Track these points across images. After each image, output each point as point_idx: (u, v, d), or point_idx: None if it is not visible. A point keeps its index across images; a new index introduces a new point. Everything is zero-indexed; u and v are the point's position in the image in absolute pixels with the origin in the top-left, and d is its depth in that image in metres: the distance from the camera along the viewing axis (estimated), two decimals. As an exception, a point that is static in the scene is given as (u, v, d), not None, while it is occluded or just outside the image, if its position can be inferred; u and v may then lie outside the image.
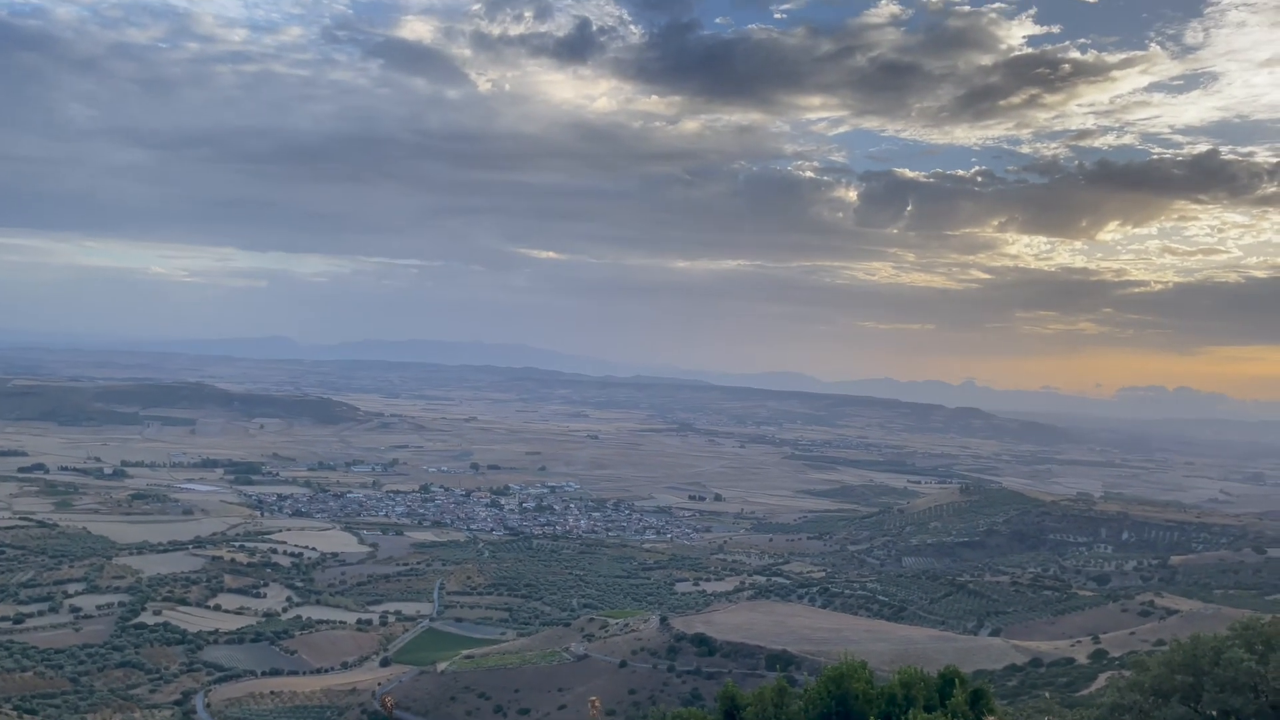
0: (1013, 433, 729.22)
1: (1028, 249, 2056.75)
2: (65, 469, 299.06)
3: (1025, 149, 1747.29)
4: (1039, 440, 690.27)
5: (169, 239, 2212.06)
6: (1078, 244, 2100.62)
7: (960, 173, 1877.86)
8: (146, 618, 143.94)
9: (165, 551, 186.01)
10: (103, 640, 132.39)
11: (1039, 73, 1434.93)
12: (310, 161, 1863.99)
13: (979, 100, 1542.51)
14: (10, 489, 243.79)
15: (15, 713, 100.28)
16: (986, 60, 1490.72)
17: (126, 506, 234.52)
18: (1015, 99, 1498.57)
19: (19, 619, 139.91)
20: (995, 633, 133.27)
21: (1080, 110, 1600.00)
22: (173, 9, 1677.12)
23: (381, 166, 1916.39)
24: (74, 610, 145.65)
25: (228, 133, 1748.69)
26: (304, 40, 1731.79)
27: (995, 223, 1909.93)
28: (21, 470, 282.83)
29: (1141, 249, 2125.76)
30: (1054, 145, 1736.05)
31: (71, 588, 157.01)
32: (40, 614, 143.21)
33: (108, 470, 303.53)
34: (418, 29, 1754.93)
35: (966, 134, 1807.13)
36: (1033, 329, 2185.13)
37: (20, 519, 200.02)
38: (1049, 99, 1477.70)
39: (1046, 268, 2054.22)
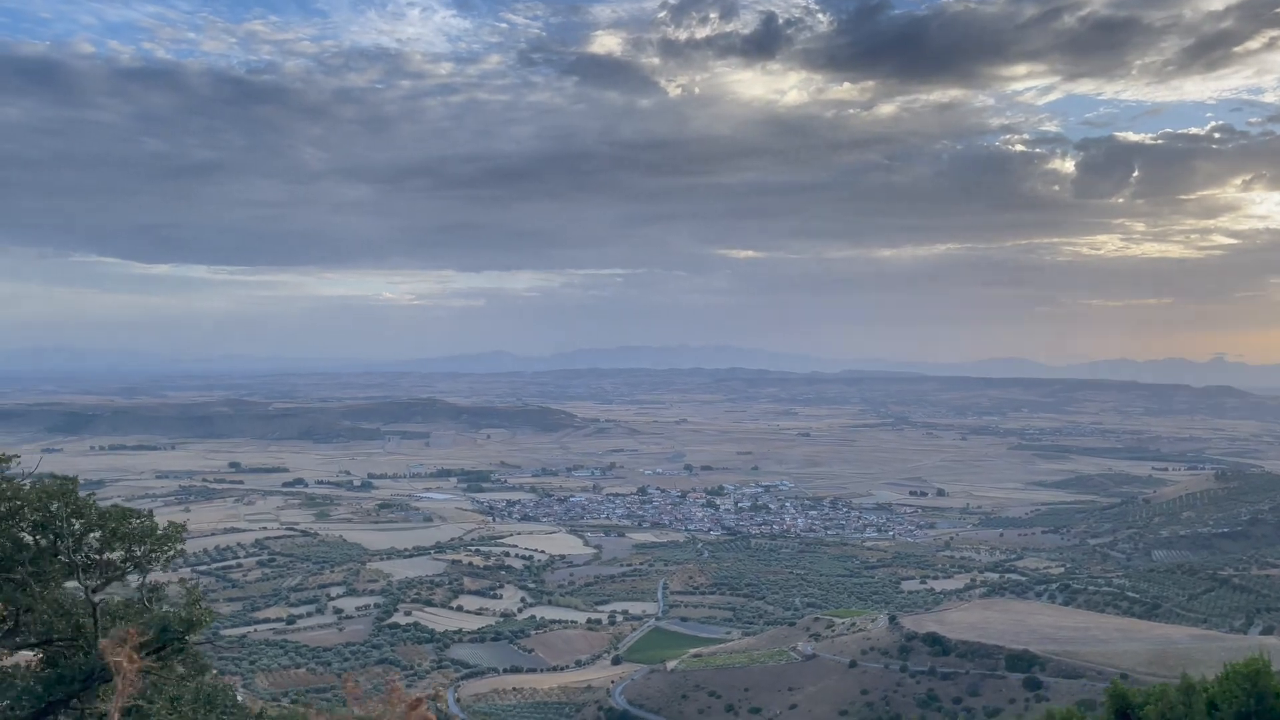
0: (1274, 411, 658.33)
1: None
2: (321, 483, 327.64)
3: (1269, 98, 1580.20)
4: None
5: (395, 266, 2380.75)
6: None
7: (1193, 130, 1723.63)
8: (399, 618, 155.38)
9: (411, 557, 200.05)
10: (363, 639, 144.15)
11: (1279, 12, 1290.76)
12: (515, 182, 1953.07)
13: (1210, 49, 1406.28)
14: (277, 502, 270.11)
15: (292, 705, 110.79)
16: (1216, 4, 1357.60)
17: (375, 516, 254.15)
18: (1253, 44, 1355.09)
19: (290, 620, 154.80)
20: (1268, 631, 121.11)
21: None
22: (386, 51, 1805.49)
23: (581, 181, 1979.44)
24: (337, 611, 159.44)
25: (440, 161, 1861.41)
26: (503, 66, 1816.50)
27: (1239, 181, 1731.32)
28: (285, 485, 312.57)
29: None
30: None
31: (333, 591, 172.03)
32: (308, 615, 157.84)
33: (356, 483, 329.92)
34: (608, 43, 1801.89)
35: (1198, 88, 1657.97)
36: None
37: (287, 529, 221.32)
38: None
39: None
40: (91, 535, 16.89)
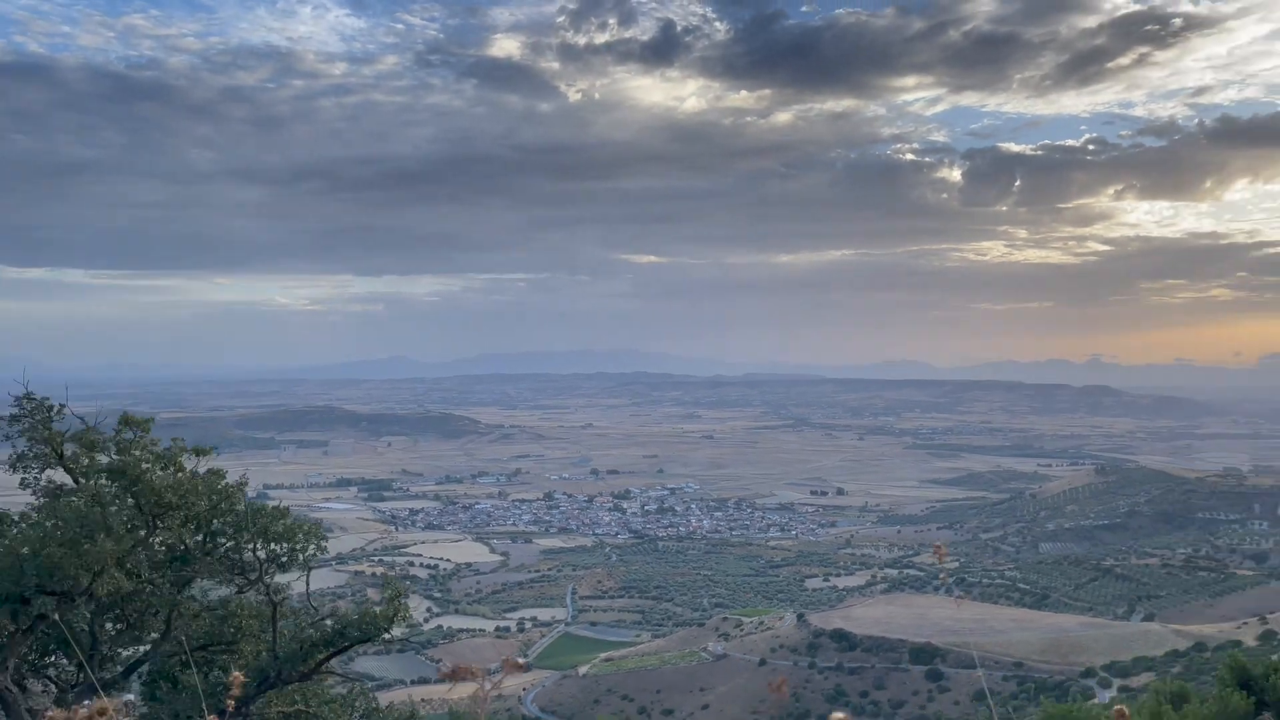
0: (1146, 409, 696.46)
1: (1149, 216, 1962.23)
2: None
3: (1139, 112, 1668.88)
4: (1176, 415, 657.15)
5: (290, 270, 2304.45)
6: (1203, 206, 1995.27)
7: (1070, 142, 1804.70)
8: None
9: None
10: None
11: (1148, 30, 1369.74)
12: (414, 185, 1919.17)
13: (1084, 65, 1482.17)
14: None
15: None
16: (1090, 22, 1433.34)
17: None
18: (1124, 60, 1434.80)
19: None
20: (1149, 618, 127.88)
21: (1196, 66, 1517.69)
22: (276, 49, 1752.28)
23: (482, 184, 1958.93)
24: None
25: (335, 163, 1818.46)
26: (399, 68, 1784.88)
27: (1111, 191, 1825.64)
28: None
29: (1275, 206, 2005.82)
30: (1170, 105, 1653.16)
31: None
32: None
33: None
34: (506, 46, 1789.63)
35: (1074, 102, 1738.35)
36: (1160, 299, 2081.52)
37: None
38: (1161, 56, 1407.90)
39: (1171, 234, 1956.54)
40: (240, 534, 16.44)
